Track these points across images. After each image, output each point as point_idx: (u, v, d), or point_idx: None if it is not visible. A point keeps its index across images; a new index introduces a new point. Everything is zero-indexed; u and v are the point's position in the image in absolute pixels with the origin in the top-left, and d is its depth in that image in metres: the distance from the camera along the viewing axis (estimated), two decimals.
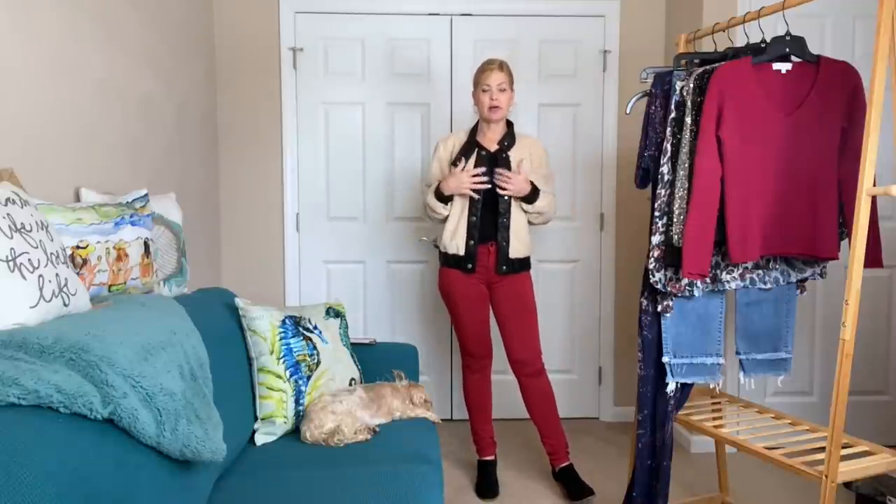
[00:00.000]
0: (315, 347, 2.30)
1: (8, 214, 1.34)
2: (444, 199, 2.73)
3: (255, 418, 2.20)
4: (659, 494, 2.33)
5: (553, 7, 3.55)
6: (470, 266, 2.73)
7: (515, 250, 2.72)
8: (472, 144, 2.75)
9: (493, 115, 2.69)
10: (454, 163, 2.74)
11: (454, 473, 3.06)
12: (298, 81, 3.54)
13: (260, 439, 2.18)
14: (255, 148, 3.56)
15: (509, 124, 2.79)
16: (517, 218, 2.72)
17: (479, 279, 2.78)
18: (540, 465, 3.12)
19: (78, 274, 1.66)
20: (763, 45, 2.15)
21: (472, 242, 2.71)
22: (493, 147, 2.74)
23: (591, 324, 3.71)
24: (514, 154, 2.72)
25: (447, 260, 2.79)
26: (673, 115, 2.19)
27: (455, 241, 2.74)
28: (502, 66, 2.70)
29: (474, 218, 2.70)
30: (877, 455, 1.99)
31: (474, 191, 2.66)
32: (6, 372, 1.14)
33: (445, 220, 2.77)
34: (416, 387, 2.40)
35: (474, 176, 2.66)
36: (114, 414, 1.24)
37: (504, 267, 2.72)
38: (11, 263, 1.30)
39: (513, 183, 2.64)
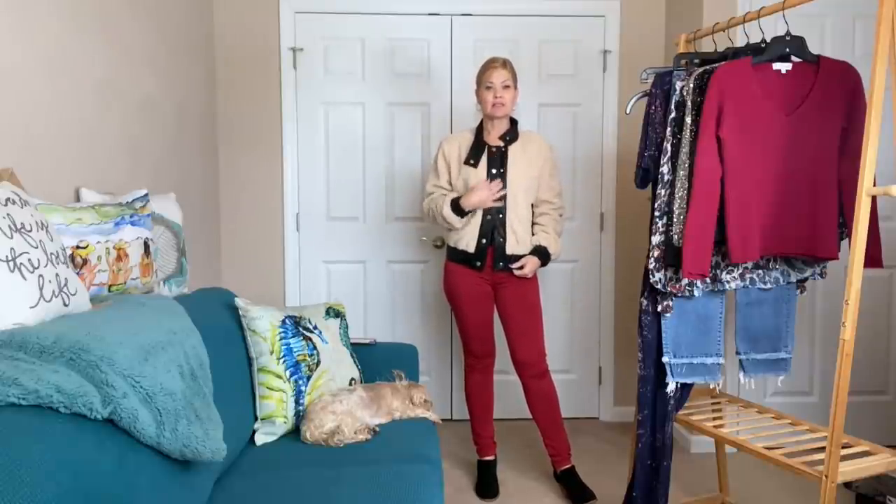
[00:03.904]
0: (315, 347, 2.30)
1: (8, 214, 1.34)
2: (463, 213, 2.72)
3: (255, 418, 2.20)
4: (659, 494, 2.33)
5: (553, 7, 3.55)
6: (479, 264, 2.74)
7: (513, 247, 2.72)
8: (480, 144, 2.75)
9: (497, 111, 2.69)
10: (467, 162, 2.73)
11: (454, 473, 3.06)
12: (298, 81, 3.54)
13: (260, 439, 2.18)
14: (255, 148, 3.56)
15: (513, 122, 2.79)
16: (514, 215, 2.71)
17: (484, 279, 2.78)
18: (540, 465, 3.12)
19: (78, 274, 1.66)
20: (763, 45, 2.15)
21: (483, 241, 2.71)
22: (496, 143, 2.74)
23: (591, 324, 3.71)
24: (515, 150, 2.73)
25: (455, 255, 2.79)
26: (673, 115, 2.19)
27: (466, 238, 2.74)
28: (506, 63, 2.71)
29: (489, 217, 2.70)
30: (877, 455, 1.98)
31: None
32: (6, 372, 1.14)
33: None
34: (416, 387, 2.40)
35: (494, 188, 2.67)
36: (114, 414, 1.24)
37: (501, 263, 2.72)
38: (11, 263, 1.30)
39: (527, 269, 2.71)
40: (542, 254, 2.75)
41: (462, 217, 2.72)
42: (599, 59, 3.59)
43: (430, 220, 2.90)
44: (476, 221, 2.72)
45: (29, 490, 1.00)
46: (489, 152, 2.73)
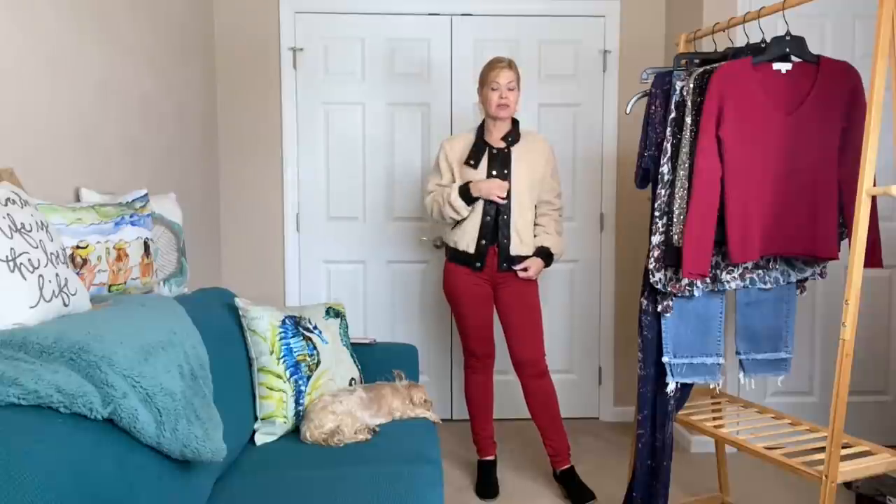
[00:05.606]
0: (315, 347, 2.30)
1: (8, 214, 1.34)
2: (470, 200, 2.71)
3: (255, 418, 2.20)
4: (659, 494, 2.33)
5: (553, 7, 3.55)
6: (479, 265, 2.74)
7: (517, 248, 2.72)
8: (481, 144, 2.75)
9: (502, 112, 2.69)
10: (467, 162, 2.73)
11: (454, 473, 3.06)
12: (298, 81, 3.54)
13: (260, 439, 2.18)
14: (255, 148, 3.56)
15: (514, 122, 2.79)
16: (518, 216, 2.71)
17: (484, 279, 2.78)
18: (540, 465, 3.12)
19: (78, 274, 1.66)
20: (763, 45, 2.15)
21: (483, 242, 2.71)
22: (498, 144, 2.74)
23: (591, 324, 3.71)
24: (518, 150, 2.73)
25: (456, 256, 2.79)
26: (673, 115, 2.19)
27: (466, 239, 2.74)
28: (511, 64, 2.71)
29: (488, 218, 2.70)
30: (877, 455, 1.99)
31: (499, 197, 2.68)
32: (6, 372, 1.14)
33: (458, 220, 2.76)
34: (416, 387, 2.40)
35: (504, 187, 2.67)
36: (114, 414, 1.24)
37: (505, 264, 2.72)
38: (11, 263, 1.30)
39: (532, 272, 2.72)
40: (545, 255, 2.76)
41: (469, 205, 2.70)
42: (599, 59, 3.59)
43: (430, 216, 2.87)
44: (476, 222, 2.71)
45: (29, 490, 1.00)
46: (490, 153, 2.73)
